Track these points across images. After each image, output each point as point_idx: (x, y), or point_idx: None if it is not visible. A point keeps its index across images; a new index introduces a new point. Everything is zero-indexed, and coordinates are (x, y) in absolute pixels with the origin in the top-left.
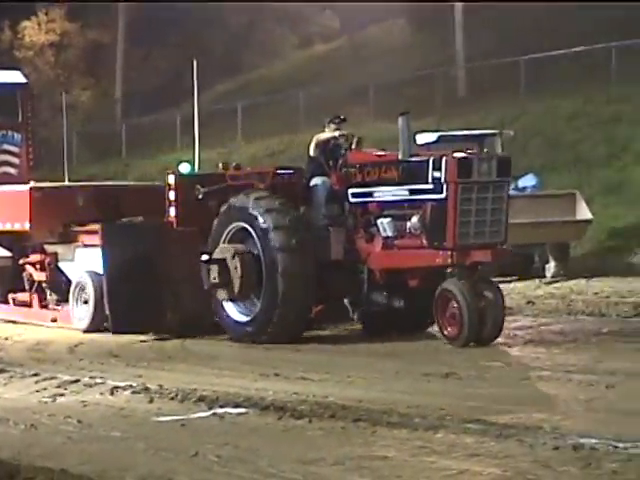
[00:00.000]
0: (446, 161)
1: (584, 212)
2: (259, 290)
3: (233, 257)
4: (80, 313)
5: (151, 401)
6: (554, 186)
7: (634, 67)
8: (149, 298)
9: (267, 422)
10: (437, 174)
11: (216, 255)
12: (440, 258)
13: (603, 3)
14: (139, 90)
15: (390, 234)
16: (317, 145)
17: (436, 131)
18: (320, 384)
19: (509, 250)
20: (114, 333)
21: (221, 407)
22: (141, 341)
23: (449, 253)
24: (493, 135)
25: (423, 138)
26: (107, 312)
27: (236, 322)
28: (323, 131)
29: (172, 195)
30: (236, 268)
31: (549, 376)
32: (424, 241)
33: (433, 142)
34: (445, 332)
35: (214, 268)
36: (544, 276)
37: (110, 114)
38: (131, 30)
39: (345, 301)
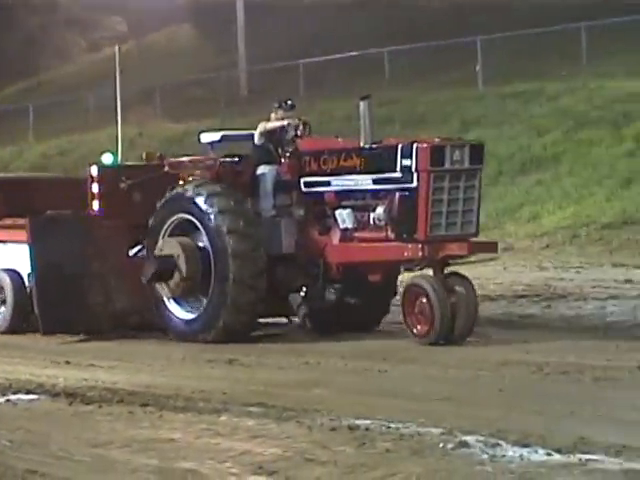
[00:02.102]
0: (417, 148)
1: None
2: (205, 287)
3: (178, 252)
4: None
5: None
6: None
7: (405, 71)
8: (79, 296)
9: (58, 408)
10: (407, 162)
11: (159, 250)
12: (409, 251)
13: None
14: None
15: (349, 226)
16: (262, 133)
17: (220, 130)
18: (109, 371)
19: (493, 243)
20: (44, 334)
21: (14, 394)
22: None
23: (419, 246)
24: None
25: (207, 137)
26: (36, 312)
27: (179, 320)
28: (268, 118)
29: (95, 187)
30: (182, 264)
31: (326, 362)
32: (390, 233)
33: (217, 141)
34: (414, 330)
35: (156, 263)
36: None
37: None
38: None
39: (290, 296)
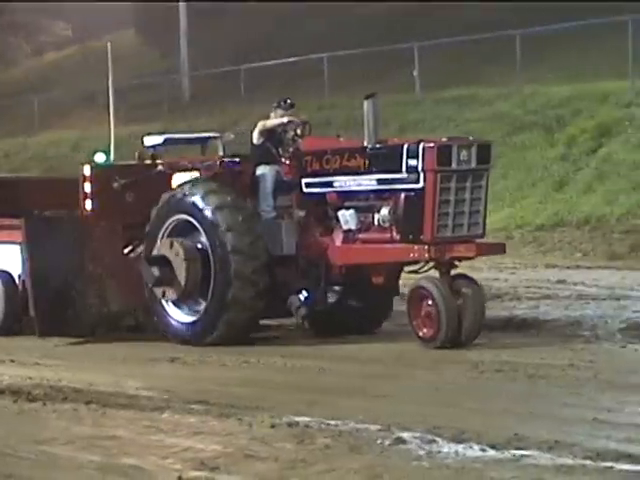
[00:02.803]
0: (423, 148)
1: None
2: (206, 288)
3: (179, 254)
4: None
5: None
6: None
7: (344, 76)
8: (75, 298)
9: (4, 405)
10: (413, 162)
11: (158, 252)
12: (415, 252)
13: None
14: None
15: (353, 227)
16: (262, 132)
17: (163, 134)
18: (54, 369)
19: (501, 245)
20: (40, 336)
21: None
22: None
23: (425, 247)
24: (215, 138)
25: (150, 140)
26: (32, 314)
27: (179, 323)
28: (267, 117)
29: (87, 187)
30: (182, 266)
31: (266, 360)
32: (395, 234)
33: (160, 144)
34: (420, 333)
35: (156, 265)
36: None
37: None
38: None
39: (289, 298)
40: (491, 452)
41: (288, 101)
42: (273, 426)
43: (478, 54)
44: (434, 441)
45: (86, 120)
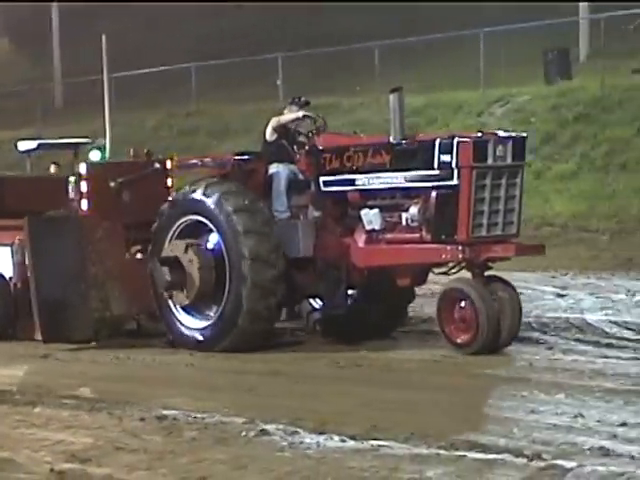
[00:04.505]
0: (458, 143)
1: None
2: (219, 293)
3: (191, 257)
4: None
5: None
6: None
7: (211, 84)
8: (79, 302)
9: None
10: (446, 158)
11: (168, 254)
12: (447, 253)
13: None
14: None
15: (377, 227)
16: (275, 128)
17: (36, 139)
18: None
19: (541, 246)
20: (45, 342)
21: None
22: None
23: (459, 248)
24: (85, 144)
25: (24, 145)
26: (36, 320)
27: (189, 329)
28: (280, 113)
29: (84, 186)
30: (195, 269)
31: (135, 357)
32: (425, 234)
33: (33, 149)
34: (457, 339)
35: (168, 270)
36: None
37: None
38: None
39: (302, 303)
40: (350, 443)
41: (303, 98)
42: (142, 419)
43: (339, 65)
44: (296, 432)
45: None
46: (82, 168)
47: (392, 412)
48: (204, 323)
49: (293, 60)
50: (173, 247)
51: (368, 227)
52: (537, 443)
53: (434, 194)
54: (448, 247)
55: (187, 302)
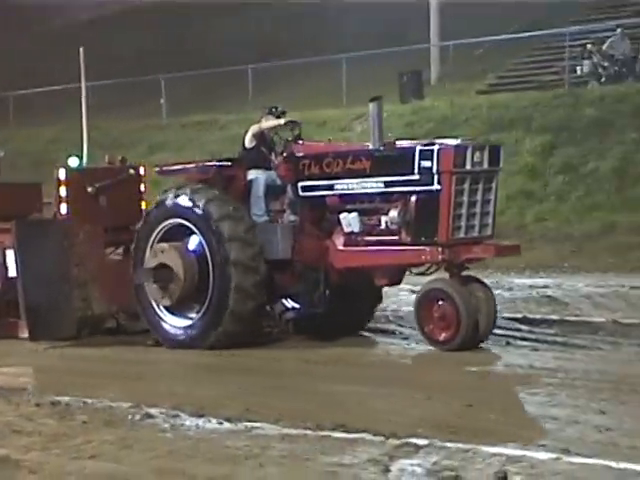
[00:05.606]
0: (439, 150)
1: None
2: (201, 293)
3: (175, 259)
4: None
5: None
6: None
7: (102, 103)
8: (63, 302)
9: None
10: (427, 163)
11: (152, 256)
12: (427, 255)
13: None
14: None
15: (356, 230)
16: (255, 135)
17: None
18: None
19: (517, 246)
20: (32, 340)
21: None
22: None
23: (439, 249)
24: None
25: None
26: (24, 319)
27: (172, 327)
28: (258, 121)
29: (63, 191)
30: (179, 271)
31: (30, 347)
32: (405, 236)
33: None
34: (436, 337)
35: (151, 272)
36: None
37: None
38: None
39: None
40: (226, 424)
41: (279, 108)
42: (38, 405)
43: (217, 85)
44: (178, 416)
45: None
46: (61, 174)
47: (265, 397)
48: (186, 322)
49: (174, 81)
50: (157, 250)
51: (347, 230)
52: (392, 423)
53: (414, 198)
54: (428, 249)
55: (170, 303)
